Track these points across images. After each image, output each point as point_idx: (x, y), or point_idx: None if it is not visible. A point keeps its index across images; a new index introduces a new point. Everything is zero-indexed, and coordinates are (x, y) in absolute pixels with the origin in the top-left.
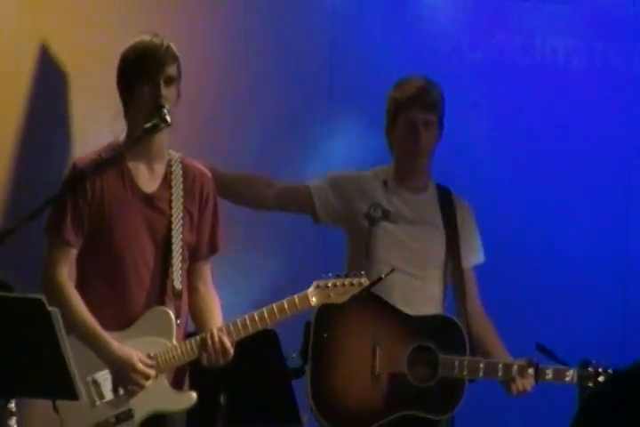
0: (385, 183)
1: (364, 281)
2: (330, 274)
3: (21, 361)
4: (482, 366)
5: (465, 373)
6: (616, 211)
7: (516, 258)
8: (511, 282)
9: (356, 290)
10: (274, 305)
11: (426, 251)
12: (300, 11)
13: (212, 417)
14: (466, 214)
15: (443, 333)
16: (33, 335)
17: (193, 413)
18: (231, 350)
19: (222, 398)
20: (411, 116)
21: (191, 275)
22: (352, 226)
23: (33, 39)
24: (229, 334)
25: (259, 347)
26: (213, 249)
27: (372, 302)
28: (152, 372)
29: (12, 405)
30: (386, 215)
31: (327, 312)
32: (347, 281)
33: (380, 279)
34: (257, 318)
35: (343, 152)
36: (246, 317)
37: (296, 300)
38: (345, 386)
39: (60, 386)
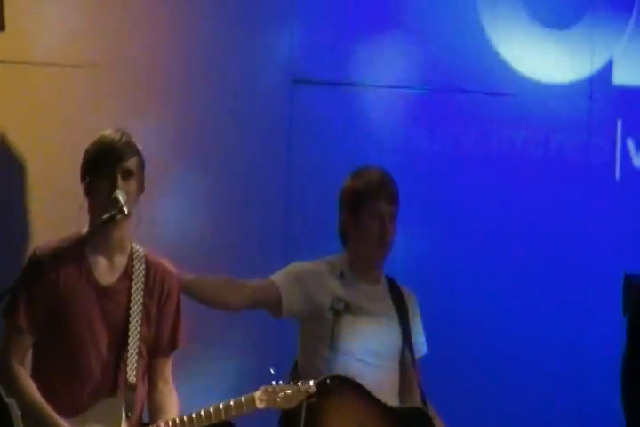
0: (342, 274)
1: (312, 389)
2: (280, 381)
3: None
4: None
5: None
6: (574, 299)
7: (473, 345)
8: (466, 370)
9: (302, 396)
10: (221, 404)
11: (384, 342)
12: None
13: None
14: (413, 305)
15: (418, 423)
16: None
17: None
18: None
19: None
20: (377, 209)
21: (151, 370)
22: (316, 320)
23: None
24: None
25: None
26: (173, 346)
27: (355, 392)
28: None
29: None
30: (347, 308)
31: (314, 404)
32: (294, 388)
33: (326, 387)
34: (203, 415)
35: None
36: (193, 413)
37: (243, 401)
38: None
39: None
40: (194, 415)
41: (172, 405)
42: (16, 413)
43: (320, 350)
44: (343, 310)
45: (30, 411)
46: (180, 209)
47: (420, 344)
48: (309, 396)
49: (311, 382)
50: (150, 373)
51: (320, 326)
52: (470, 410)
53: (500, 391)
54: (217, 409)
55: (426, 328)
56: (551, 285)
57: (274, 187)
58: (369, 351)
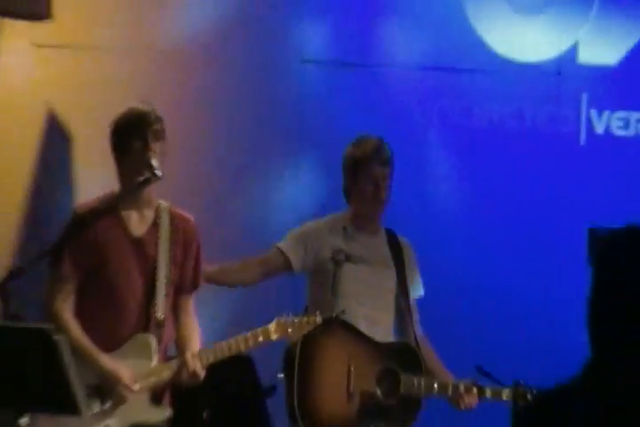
0: (344, 229)
1: (318, 320)
2: (289, 313)
3: (35, 384)
4: (436, 385)
5: (422, 391)
6: (546, 250)
7: (459, 290)
8: (455, 310)
9: (310, 327)
10: (240, 336)
11: (381, 287)
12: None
13: None
14: (410, 254)
15: (404, 357)
16: (42, 360)
17: (180, 424)
18: (201, 374)
19: (205, 415)
20: (372, 172)
21: (176, 307)
22: (319, 270)
23: (40, 109)
24: (200, 359)
25: (238, 371)
26: (195, 285)
27: (347, 331)
28: (135, 387)
29: (24, 421)
30: (348, 258)
31: (311, 340)
32: (303, 319)
33: (332, 319)
34: (226, 348)
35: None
36: (216, 346)
37: (259, 332)
38: (324, 402)
39: (65, 403)
40: (217, 349)
41: (195, 337)
42: (67, 348)
43: (324, 296)
44: (344, 259)
45: (74, 347)
46: (205, 164)
47: (417, 288)
48: (316, 327)
49: (317, 315)
50: (176, 309)
51: (324, 276)
52: (459, 343)
53: (483, 328)
54: (236, 341)
55: (425, 275)
56: (527, 238)
57: (285, 152)
58: (366, 295)
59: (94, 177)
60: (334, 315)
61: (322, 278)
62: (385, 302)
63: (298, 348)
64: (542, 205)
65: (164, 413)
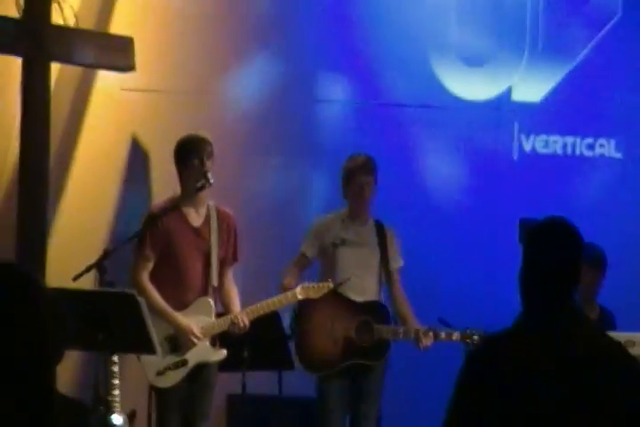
0: (343, 220)
1: (330, 285)
2: (310, 281)
3: (123, 331)
4: (400, 331)
5: (390, 336)
6: (488, 237)
7: (434, 264)
8: (426, 282)
9: (325, 290)
10: (275, 298)
11: (368, 263)
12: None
13: (239, 365)
14: (391, 236)
15: (377, 311)
16: (129, 315)
17: (227, 362)
18: (247, 326)
19: (245, 353)
20: (359, 180)
21: (221, 276)
22: (325, 253)
23: (126, 135)
24: (247, 315)
25: (270, 322)
26: (235, 259)
27: (333, 295)
28: (201, 336)
29: (115, 358)
30: (344, 242)
31: (306, 303)
32: (320, 284)
33: (339, 284)
34: (265, 307)
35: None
36: (257, 305)
37: (289, 295)
38: (316, 347)
39: (145, 346)
40: (259, 307)
41: (236, 298)
42: (145, 307)
43: (328, 271)
44: (340, 244)
45: (155, 308)
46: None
47: (397, 260)
48: (330, 290)
49: (330, 281)
50: (220, 278)
51: (328, 256)
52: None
53: (448, 291)
54: (272, 301)
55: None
56: (479, 227)
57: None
58: (357, 268)
59: (166, 185)
60: (341, 281)
61: (326, 259)
62: (371, 275)
63: (296, 309)
64: (486, 203)
65: (222, 354)
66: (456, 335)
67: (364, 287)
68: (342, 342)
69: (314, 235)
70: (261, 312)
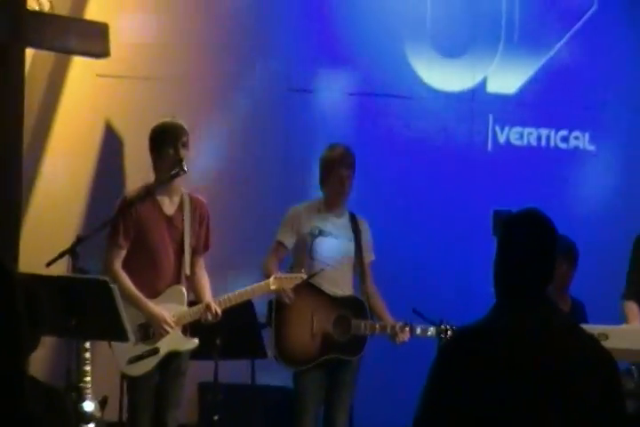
0: (319, 210)
1: (303, 276)
2: (283, 271)
3: (96, 318)
4: (377, 326)
5: (367, 331)
6: (463, 229)
7: (407, 256)
8: (401, 272)
9: (299, 281)
10: (248, 288)
11: (343, 253)
12: None
13: (212, 353)
14: (365, 229)
15: (354, 306)
16: (102, 302)
17: (199, 350)
18: (220, 315)
19: (218, 341)
20: (339, 173)
21: (192, 265)
22: (301, 242)
23: (100, 124)
24: (219, 305)
25: (243, 311)
26: (206, 248)
27: (310, 289)
28: (174, 324)
29: (87, 344)
30: (321, 233)
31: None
32: (294, 275)
33: (313, 275)
34: (238, 296)
35: None
36: (230, 294)
37: (262, 285)
38: (294, 341)
39: (118, 333)
40: (231, 297)
41: (207, 287)
42: (118, 294)
43: (304, 260)
44: (317, 234)
45: (129, 297)
46: (216, 166)
47: (369, 254)
48: (303, 280)
49: (303, 272)
50: (192, 266)
51: (304, 246)
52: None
53: (422, 284)
54: (245, 291)
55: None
56: (453, 217)
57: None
58: (332, 259)
59: (139, 172)
60: (314, 272)
61: (301, 249)
62: (346, 267)
63: (274, 302)
64: (460, 194)
65: (193, 343)
66: (431, 331)
67: (338, 280)
68: (320, 337)
69: (291, 224)
70: (234, 302)
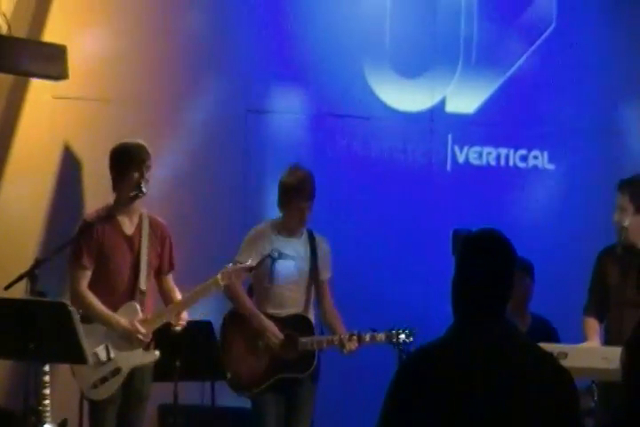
0: (278, 232)
1: (253, 264)
2: (230, 264)
3: (54, 341)
4: (325, 340)
5: (315, 346)
6: (421, 247)
7: (365, 269)
8: (361, 291)
9: (247, 271)
10: (199, 287)
11: (300, 274)
12: None
13: (172, 374)
14: (323, 246)
15: (300, 324)
16: (61, 325)
17: (158, 372)
18: (186, 318)
19: (178, 362)
20: (299, 204)
21: (163, 284)
22: (263, 264)
23: (58, 146)
24: (179, 308)
25: (202, 331)
26: (171, 267)
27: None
28: (145, 332)
29: (46, 367)
30: (280, 255)
31: (229, 322)
32: (240, 266)
33: (253, 268)
34: (193, 297)
35: None
36: (185, 297)
37: (211, 283)
38: (240, 365)
39: (76, 356)
40: (184, 298)
41: (177, 296)
42: (77, 316)
43: (263, 283)
44: (277, 257)
45: (98, 315)
46: (174, 186)
47: (327, 271)
48: (248, 271)
49: (250, 260)
50: (163, 286)
51: (264, 268)
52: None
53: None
54: (196, 291)
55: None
56: (411, 236)
57: (234, 178)
58: (290, 281)
59: (98, 194)
60: (255, 264)
61: (262, 270)
62: (302, 286)
63: (220, 327)
64: (421, 213)
65: (154, 355)
66: (380, 336)
67: (295, 300)
68: (267, 358)
69: (254, 246)
70: (190, 304)
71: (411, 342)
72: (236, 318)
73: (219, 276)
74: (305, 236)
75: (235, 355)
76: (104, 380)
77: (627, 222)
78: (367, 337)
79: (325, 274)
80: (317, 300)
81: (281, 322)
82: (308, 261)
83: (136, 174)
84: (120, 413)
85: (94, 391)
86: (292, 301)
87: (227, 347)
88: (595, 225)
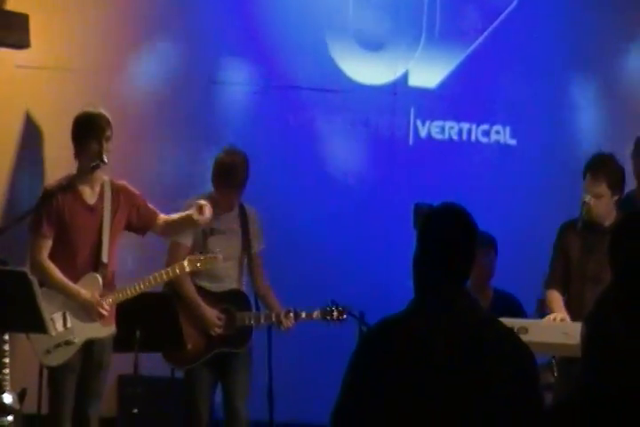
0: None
1: (219, 257)
2: (198, 253)
3: (14, 310)
4: (262, 316)
5: (252, 321)
6: (381, 223)
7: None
8: (319, 265)
9: (214, 261)
10: (163, 271)
11: (232, 247)
12: None
13: (132, 345)
14: (254, 218)
15: (237, 299)
16: (21, 294)
17: (119, 343)
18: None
19: (138, 333)
20: (235, 181)
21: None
22: (196, 239)
23: (20, 115)
24: (141, 287)
25: (163, 303)
26: (156, 214)
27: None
28: (108, 307)
29: (6, 336)
30: (212, 231)
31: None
32: (209, 256)
33: (215, 258)
34: (156, 277)
35: None
36: (149, 277)
37: (177, 268)
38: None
39: (37, 325)
40: (148, 279)
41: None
42: (37, 285)
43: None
44: (209, 232)
45: (58, 284)
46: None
47: (259, 242)
48: (217, 260)
49: (217, 253)
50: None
51: (198, 244)
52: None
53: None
54: (161, 273)
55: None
56: (372, 211)
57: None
58: (223, 253)
59: (59, 163)
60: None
61: (197, 246)
62: (234, 257)
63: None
64: (383, 187)
65: (110, 330)
66: (316, 313)
67: (228, 273)
68: (205, 334)
69: None
70: (150, 286)
71: (344, 320)
72: (175, 294)
73: (185, 262)
74: (236, 209)
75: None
76: (57, 346)
77: (594, 202)
78: (303, 314)
79: (257, 246)
80: (249, 273)
81: (218, 297)
82: (239, 234)
83: (95, 145)
84: (80, 381)
85: (47, 357)
86: (225, 275)
87: None
88: (555, 200)
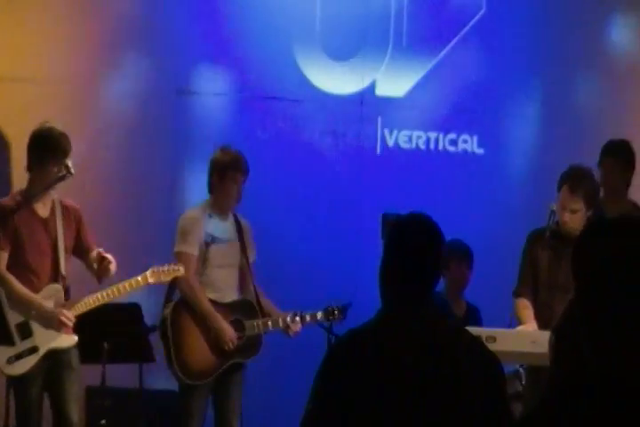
0: (210, 216)
1: (182, 270)
2: (163, 265)
3: None
4: (270, 323)
5: (262, 329)
6: (351, 231)
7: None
8: (288, 274)
9: (176, 274)
10: (126, 281)
11: (231, 256)
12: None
13: (99, 357)
14: (247, 231)
15: (244, 308)
16: None
17: (87, 354)
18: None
19: (105, 344)
20: (236, 177)
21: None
22: (200, 247)
23: None
24: (102, 298)
25: (130, 314)
26: (94, 245)
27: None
28: (72, 317)
29: None
30: (213, 240)
31: (176, 314)
32: (172, 268)
33: (177, 270)
34: (115, 290)
35: None
36: (109, 290)
37: (139, 279)
38: (194, 354)
39: (3, 337)
40: (110, 290)
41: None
42: (3, 296)
43: (198, 268)
44: (211, 241)
45: (19, 296)
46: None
47: (253, 254)
48: (181, 274)
49: (180, 266)
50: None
51: (200, 253)
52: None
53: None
54: (124, 285)
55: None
56: (340, 220)
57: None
58: (224, 262)
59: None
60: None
61: (201, 254)
62: (233, 267)
63: (169, 315)
64: (350, 196)
65: (73, 339)
66: (320, 315)
67: (229, 282)
68: (216, 346)
69: (192, 233)
70: (112, 297)
71: (343, 320)
72: (188, 306)
73: (148, 273)
74: (231, 218)
75: (186, 343)
76: (19, 356)
77: (569, 217)
78: (308, 317)
79: (252, 257)
80: (243, 282)
81: (228, 308)
82: (236, 243)
83: (54, 168)
84: (57, 388)
85: (9, 367)
86: (225, 284)
87: (178, 335)
88: (524, 209)
